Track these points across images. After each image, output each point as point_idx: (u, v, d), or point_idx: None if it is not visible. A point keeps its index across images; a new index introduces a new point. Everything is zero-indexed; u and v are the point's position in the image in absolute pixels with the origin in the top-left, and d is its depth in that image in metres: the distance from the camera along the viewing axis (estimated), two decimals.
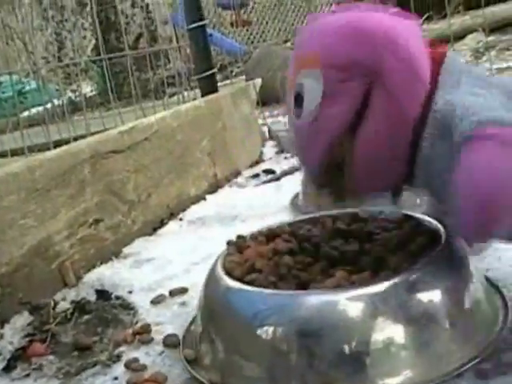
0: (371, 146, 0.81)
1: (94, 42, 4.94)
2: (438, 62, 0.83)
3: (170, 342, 0.98)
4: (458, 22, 4.68)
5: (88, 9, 4.77)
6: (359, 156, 0.82)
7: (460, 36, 4.40)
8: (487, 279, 0.96)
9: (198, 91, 2.39)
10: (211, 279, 0.96)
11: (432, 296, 0.81)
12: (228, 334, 0.88)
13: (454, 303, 0.83)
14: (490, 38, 4.26)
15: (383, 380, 0.77)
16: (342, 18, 0.84)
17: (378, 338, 0.77)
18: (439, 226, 0.94)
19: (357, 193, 0.89)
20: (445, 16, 3.98)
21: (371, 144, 0.81)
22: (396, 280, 0.81)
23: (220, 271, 0.94)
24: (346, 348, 0.77)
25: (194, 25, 2.23)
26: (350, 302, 0.80)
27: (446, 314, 0.81)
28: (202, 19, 2.26)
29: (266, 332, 0.81)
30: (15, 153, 2.51)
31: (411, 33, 0.82)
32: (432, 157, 0.80)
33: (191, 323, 1.03)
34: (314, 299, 0.82)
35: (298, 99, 0.81)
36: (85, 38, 4.95)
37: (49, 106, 2.88)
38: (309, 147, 0.84)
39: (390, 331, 0.78)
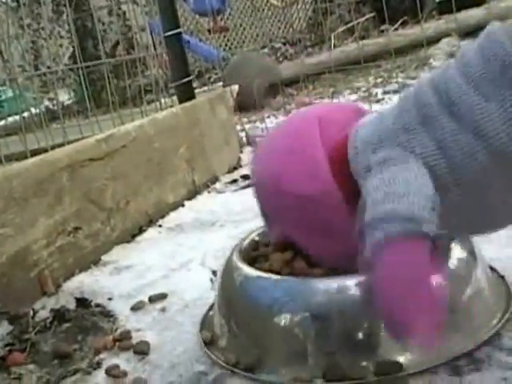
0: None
1: (71, 49, 4.93)
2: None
3: (140, 350, 0.99)
4: (432, 26, 4.73)
5: (64, 17, 4.75)
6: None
7: (434, 40, 4.44)
8: (492, 269, 0.97)
9: (175, 98, 2.40)
10: (228, 268, 0.99)
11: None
12: (247, 322, 0.91)
13: (455, 291, 0.85)
14: (464, 43, 4.31)
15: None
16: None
17: None
18: None
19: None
20: (419, 21, 4.03)
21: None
22: None
23: (236, 260, 0.97)
24: (360, 332, 0.81)
25: (170, 32, 2.24)
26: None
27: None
28: (178, 27, 2.26)
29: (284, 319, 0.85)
30: None
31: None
32: None
33: (209, 309, 1.05)
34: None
35: None
36: (61, 46, 4.93)
37: (26, 114, 2.87)
38: None
39: None
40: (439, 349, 0.80)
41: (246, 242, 1.04)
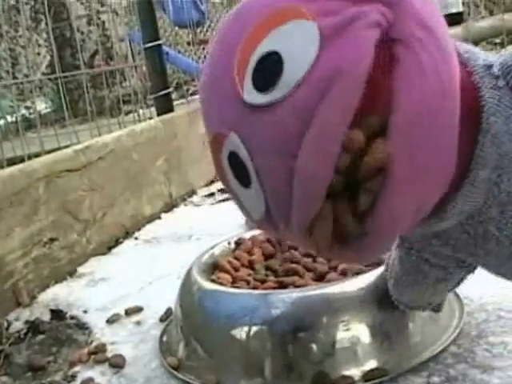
0: (422, 104, 0.44)
1: (48, 58, 4.90)
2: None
3: (115, 363, 0.99)
4: None
5: (43, 25, 4.73)
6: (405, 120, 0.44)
7: None
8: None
9: (153, 109, 2.40)
10: (187, 283, 0.99)
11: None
12: (206, 336, 0.91)
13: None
14: None
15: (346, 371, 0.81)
16: None
17: (343, 336, 0.82)
18: None
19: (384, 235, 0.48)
20: None
21: (422, 100, 0.44)
22: (361, 277, 0.86)
23: (195, 274, 0.97)
24: (314, 346, 0.82)
25: (150, 44, 2.24)
26: (318, 301, 0.84)
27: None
28: (157, 38, 2.27)
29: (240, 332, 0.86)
30: None
31: None
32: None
33: (162, 334, 1.05)
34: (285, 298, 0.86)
35: (264, 75, 0.45)
36: (39, 54, 4.91)
37: (1, 122, 2.85)
38: (314, 144, 0.43)
39: (355, 329, 0.83)
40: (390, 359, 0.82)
41: (206, 256, 1.05)
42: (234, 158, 0.47)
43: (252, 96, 0.45)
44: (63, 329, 1.16)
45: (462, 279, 0.74)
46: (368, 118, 0.44)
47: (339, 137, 0.43)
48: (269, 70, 0.45)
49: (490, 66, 0.51)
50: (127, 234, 1.66)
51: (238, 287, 0.94)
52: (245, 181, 0.48)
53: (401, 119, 0.44)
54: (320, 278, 0.95)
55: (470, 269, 0.69)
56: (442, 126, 0.45)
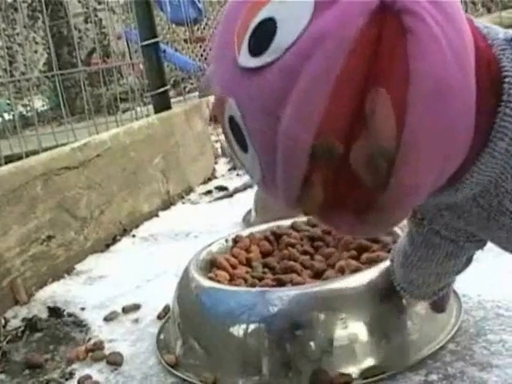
0: (439, 74, 0.44)
1: (45, 56, 4.89)
2: None
3: (112, 360, 0.99)
4: None
5: (40, 23, 4.73)
6: (418, 92, 0.44)
7: None
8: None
9: (151, 107, 2.40)
10: (185, 280, 0.99)
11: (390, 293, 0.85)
12: (203, 334, 0.91)
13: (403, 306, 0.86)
14: None
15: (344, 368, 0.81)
16: None
17: (341, 334, 0.82)
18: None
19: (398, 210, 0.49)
20: None
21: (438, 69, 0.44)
22: (358, 274, 0.87)
23: (193, 271, 0.97)
24: (312, 344, 0.82)
25: (147, 42, 2.24)
26: (316, 298, 0.85)
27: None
28: (155, 36, 2.27)
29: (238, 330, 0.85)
30: None
31: None
32: None
33: (160, 332, 1.05)
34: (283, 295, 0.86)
35: (258, 40, 0.46)
36: (36, 52, 4.90)
37: None
38: (298, 109, 0.44)
39: (353, 327, 0.83)
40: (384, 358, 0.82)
41: (204, 253, 1.05)
42: (233, 122, 0.49)
43: (246, 60, 0.46)
44: (61, 326, 1.16)
45: (469, 259, 0.74)
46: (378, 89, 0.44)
47: (321, 99, 0.44)
48: (263, 35, 0.46)
49: (511, 40, 0.52)
50: (125, 232, 1.66)
51: (235, 285, 0.94)
52: (244, 145, 0.49)
53: (418, 85, 0.44)
54: (318, 275, 0.95)
55: (480, 244, 0.69)
56: (458, 90, 0.46)
